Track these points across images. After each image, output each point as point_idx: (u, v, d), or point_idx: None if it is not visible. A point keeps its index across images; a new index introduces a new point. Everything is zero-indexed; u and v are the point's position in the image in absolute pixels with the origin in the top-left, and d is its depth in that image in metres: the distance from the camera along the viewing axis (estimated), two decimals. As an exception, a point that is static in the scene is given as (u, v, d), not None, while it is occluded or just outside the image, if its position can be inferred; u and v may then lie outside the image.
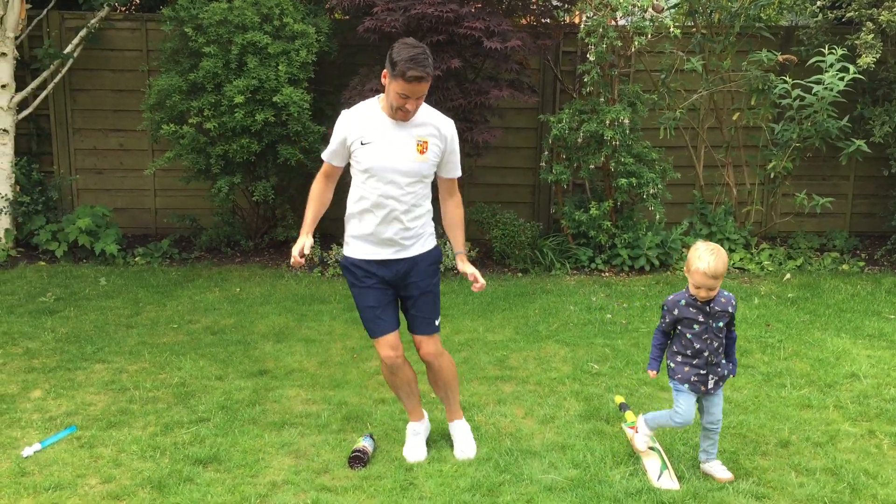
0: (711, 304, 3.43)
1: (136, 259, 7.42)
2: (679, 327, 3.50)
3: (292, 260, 3.53)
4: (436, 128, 3.54)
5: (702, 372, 3.47)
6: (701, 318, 3.43)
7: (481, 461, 3.68)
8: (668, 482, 3.46)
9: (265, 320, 5.78)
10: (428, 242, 3.66)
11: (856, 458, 3.72)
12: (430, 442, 3.88)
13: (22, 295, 6.30)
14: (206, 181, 7.39)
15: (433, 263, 3.68)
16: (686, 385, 3.49)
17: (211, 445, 3.81)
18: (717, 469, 3.56)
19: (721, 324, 3.44)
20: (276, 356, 5.07)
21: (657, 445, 3.70)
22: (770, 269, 7.23)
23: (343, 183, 3.67)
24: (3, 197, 7.46)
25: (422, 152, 3.50)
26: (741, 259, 7.35)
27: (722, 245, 7.49)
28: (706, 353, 3.45)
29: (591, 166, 7.11)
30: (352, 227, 3.62)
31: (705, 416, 3.56)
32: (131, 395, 4.44)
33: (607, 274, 7.13)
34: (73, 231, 7.26)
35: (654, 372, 3.61)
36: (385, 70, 3.40)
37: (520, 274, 7.16)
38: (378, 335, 3.64)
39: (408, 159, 3.48)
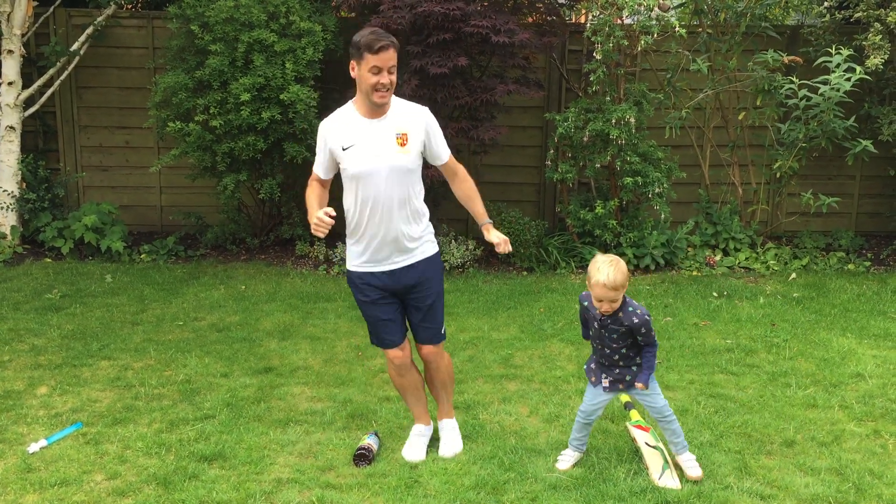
0: (604, 317, 3.47)
1: (142, 256, 7.44)
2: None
3: (318, 225, 3.37)
4: (411, 118, 3.55)
5: (596, 368, 3.61)
6: (595, 325, 3.53)
7: (486, 459, 3.68)
8: (669, 481, 3.46)
9: (270, 318, 5.79)
10: (429, 248, 3.67)
11: (861, 458, 3.72)
12: (431, 440, 3.88)
13: (28, 292, 6.33)
14: (212, 179, 7.40)
15: (437, 270, 3.69)
16: (590, 375, 3.65)
17: (216, 442, 3.83)
18: (687, 464, 3.54)
19: (614, 335, 3.47)
20: (281, 354, 5.08)
21: (660, 444, 3.70)
22: (775, 268, 7.21)
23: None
24: (9, 194, 7.49)
25: (402, 145, 3.51)
26: (746, 258, 7.34)
27: (727, 244, 7.49)
28: (597, 355, 3.60)
29: (597, 165, 7.10)
30: (352, 238, 3.61)
31: (649, 410, 3.61)
32: (137, 391, 4.45)
33: (612, 273, 7.12)
34: (78, 228, 7.28)
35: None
36: (352, 63, 3.43)
37: (525, 273, 7.16)
38: (388, 347, 3.69)
39: (391, 154, 3.48)
